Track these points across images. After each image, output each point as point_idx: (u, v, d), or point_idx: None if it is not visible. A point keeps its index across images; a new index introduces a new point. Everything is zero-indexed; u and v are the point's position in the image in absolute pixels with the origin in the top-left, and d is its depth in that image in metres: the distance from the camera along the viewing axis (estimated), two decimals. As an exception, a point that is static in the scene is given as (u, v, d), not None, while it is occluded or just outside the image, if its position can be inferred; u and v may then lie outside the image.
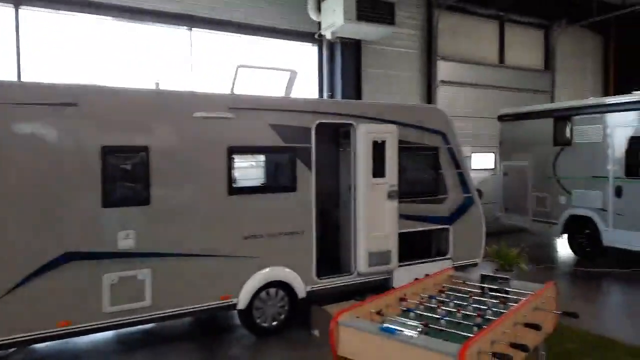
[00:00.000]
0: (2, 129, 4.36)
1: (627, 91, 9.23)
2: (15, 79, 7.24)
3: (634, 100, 8.28)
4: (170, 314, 5.12)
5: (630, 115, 8.25)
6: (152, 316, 5.03)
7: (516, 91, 13.29)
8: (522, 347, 2.66)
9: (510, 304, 3.34)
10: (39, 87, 4.70)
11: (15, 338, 4.40)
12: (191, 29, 8.90)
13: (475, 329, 2.87)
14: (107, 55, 8.16)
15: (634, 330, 5.82)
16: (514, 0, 12.47)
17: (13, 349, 4.67)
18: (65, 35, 7.86)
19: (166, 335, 5.90)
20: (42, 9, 7.64)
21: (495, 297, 3.54)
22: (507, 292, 3.61)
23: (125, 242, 4.87)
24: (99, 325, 4.78)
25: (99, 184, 4.73)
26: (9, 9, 7.41)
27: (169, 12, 8.57)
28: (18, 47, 7.48)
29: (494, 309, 3.26)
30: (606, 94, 14.92)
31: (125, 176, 4.94)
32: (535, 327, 2.86)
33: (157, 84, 5.42)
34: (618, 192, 8.37)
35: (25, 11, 7.53)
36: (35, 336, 4.49)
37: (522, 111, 10.56)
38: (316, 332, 5.71)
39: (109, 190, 4.79)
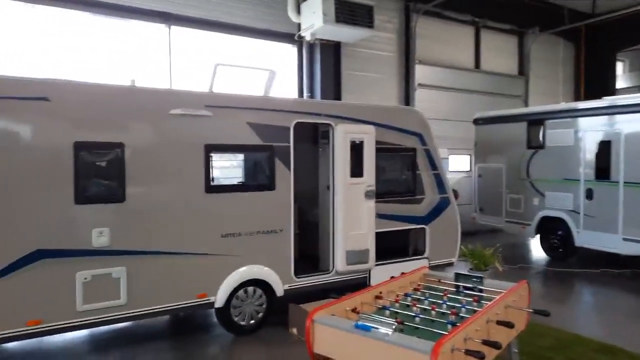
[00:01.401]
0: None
1: (597, 97, 9.54)
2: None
3: (604, 105, 8.57)
4: (146, 312, 5.04)
5: (600, 120, 8.53)
6: (127, 315, 4.95)
7: (491, 95, 13.58)
8: (494, 345, 2.72)
9: (484, 302, 3.41)
10: (10, 81, 4.56)
11: (-19, 338, 4.27)
12: (170, 27, 8.80)
13: (449, 326, 2.93)
14: (83, 50, 7.99)
15: (602, 328, 6.02)
16: (489, 7, 12.73)
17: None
18: (42, 29, 7.66)
19: (142, 334, 5.80)
20: (19, 2, 7.44)
21: (469, 296, 3.60)
22: (480, 291, 3.69)
23: (100, 239, 4.77)
24: (72, 324, 4.67)
25: (71, 180, 4.62)
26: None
27: (148, 9, 8.46)
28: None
29: (467, 307, 3.32)
30: (577, 99, 15.39)
31: (99, 173, 4.85)
32: (508, 324, 2.93)
33: (133, 81, 5.34)
34: (589, 194, 8.64)
35: (-3, 3, 7.32)
36: (3, 335, 4.36)
37: (497, 115, 10.79)
38: (294, 331, 5.71)
39: (82, 187, 4.69)
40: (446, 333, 2.69)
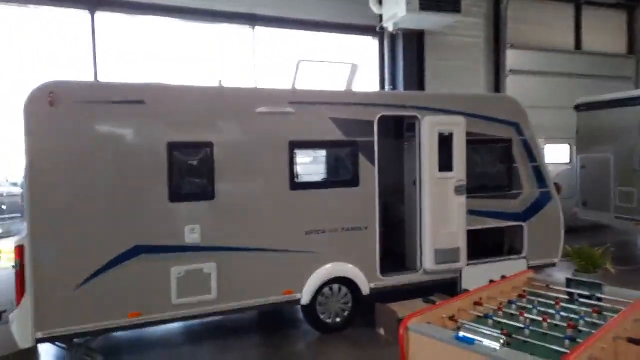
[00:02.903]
0: (75, 126, 4.53)
1: None
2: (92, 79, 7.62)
3: None
4: (235, 307, 5.13)
5: None
6: (218, 309, 5.07)
7: (594, 78, 12.25)
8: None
9: (606, 313, 2.97)
10: (109, 86, 4.86)
11: (88, 328, 4.58)
12: (254, 27, 8.97)
13: (566, 341, 2.56)
14: (175, 54, 8.40)
15: None
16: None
17: (88, 337, 4.88)
18: (137, 36, 8.17)
19: (232, 328, 5.95)
20: (116, 13, 8.00)
21: (586, 305, 3.16)
22: (599, 300, 3.23)
23: (192, 236, 4.93)
24: (168, 317, 4.88)
25: (165, 179, 4.82)
26: (86, 14, 7.82)
27: (233, 12, 8.68)
28: (94, 49, 7.87)
29: (586, 319, 2.91)
30: (701, 78, 13.39)
31: (191, 171, 5.01)
32: (642, 342, 2.49)
33: (220, 81, 5.44)
34: None
35: (100, 15, 7.91)
36: (108, 326, 4.66)
37: (603, 99, 9.67)
38: (381, 331, 5.53)
39: (175, 185, 4.87)
40: (564, 350, 2.35)
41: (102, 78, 7.78)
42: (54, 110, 4.41)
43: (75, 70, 7.73)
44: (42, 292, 4.42)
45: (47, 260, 4.45)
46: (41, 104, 4.37)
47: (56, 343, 4.86)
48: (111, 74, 7.90)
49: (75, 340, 4.82)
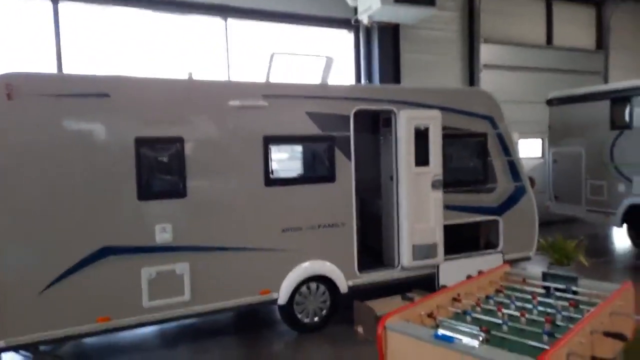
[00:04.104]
0: (35, 121, 4.29)
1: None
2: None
3: None
4: (210, 309, 4.98)
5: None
6: (192, 311, 4.91)
7: (565, 73, 12.47)
8: (604, 360, 2.31)
9: (583, 307, 2.96)
10: (72, 79, 4.61)
11: (54, 334, 4.36)
12: (226, 19, 8.76)
13: (545, 337, 2.53)
14: (144, 46, 8.13)
15: None
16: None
17: (55, 345, 4.65)
18: (103, 27, 7.86)
19: (208, 330, 5.80)
20: (81, 3, 7.66)
21: (563, 299, 3.16)
22: (575, 293, 3.23)
23: (163, 235, 4.75)
24: (139, 321, 4.69)
25: (134, 176, 4.62)
26: (48, 4, 7.47)
27: (205, 3, 8.45)
28: (58, 41, 7.54)
29: (564, 314, 2.89)
30: (667, 73, 13.80)
31: (160, 168, 4.82)
32: (620, 337, 2.47)
33: (190, 74, 5.26)
34: (686, 179, 7.65)
35: (63, 5, 7.57)
36: (75, 332, 4.45)
37: (575, 94, 9.83)
38: (359, 329, 5.47)
39: (144, 182, 4.68)
40: (543, 346, 2.31)
41: (67, 71, 7.46)
42: (13, 104, 4.16)
43: (39, 62, 7.39)
44: (3, 297, 4.19)
45: (8, 263, 4.22)
46: (-2, 97, 4.12)
47: (20, 352, 4.62)
48: (77, 66, 7.58)
49: (41, 348, 4.59)
